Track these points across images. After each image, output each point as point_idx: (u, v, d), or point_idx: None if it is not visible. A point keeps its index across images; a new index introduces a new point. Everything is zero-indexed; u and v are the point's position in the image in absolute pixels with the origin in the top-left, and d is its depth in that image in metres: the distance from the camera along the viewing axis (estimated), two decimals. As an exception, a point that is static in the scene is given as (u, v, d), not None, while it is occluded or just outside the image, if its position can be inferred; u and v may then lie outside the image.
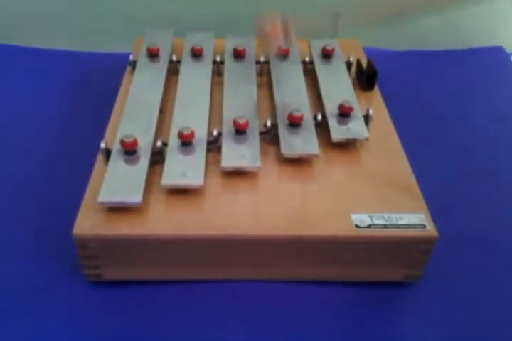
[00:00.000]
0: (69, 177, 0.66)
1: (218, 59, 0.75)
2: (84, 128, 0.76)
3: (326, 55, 0.77)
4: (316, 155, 0.60)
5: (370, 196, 0.56)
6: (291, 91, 0.69)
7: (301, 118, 0.62)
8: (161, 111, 0.66)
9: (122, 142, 0.56)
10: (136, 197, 0.53)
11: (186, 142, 0.59)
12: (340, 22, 0.99)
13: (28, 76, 0.90)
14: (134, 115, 0.64)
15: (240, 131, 0.61)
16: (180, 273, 0.56)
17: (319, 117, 0.63)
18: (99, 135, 0.62)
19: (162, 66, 0.74)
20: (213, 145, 0.61)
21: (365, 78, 0.73)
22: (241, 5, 0.97)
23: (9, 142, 0.76)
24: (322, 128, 0.64)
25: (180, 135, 0.58)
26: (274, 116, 0.65)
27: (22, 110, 0.82)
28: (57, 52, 0.96)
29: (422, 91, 0.90)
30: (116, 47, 0.92)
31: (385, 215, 0.54)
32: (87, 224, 0.52)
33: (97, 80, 0.88)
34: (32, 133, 0.77)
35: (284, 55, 0.76)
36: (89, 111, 0.80)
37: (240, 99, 0.67)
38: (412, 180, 0.59)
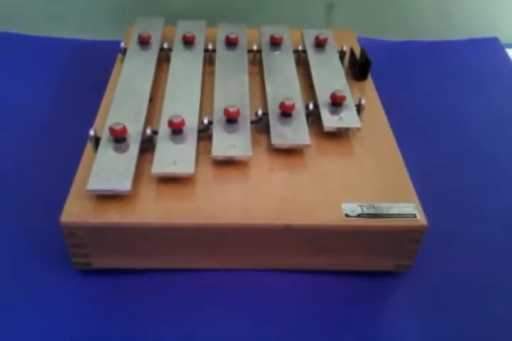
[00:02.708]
0: (58, 165, 0.65)
1: (210, 47, 0.75)
2: (75, 115, 0.75)
3: (319, 44, 0.76)
4: (307, 146, 0.59)
5: (361, 186, 0.56)
6: (283, 81, 0.69)
7: (292, 107, 0.61)
8: (152, 99, 0.66)
9: (111, 129, 0.56)
10: (125, 185, 0.52)
11: (176, 130, 0.58)
12: (335, 12, 0.99)
13: (18, 63, 0.89)
14: (123, 103, 0.63)
15: (231, 119, 0.60)
16: (170, 261, 0.56)
17: (311, 106, 0.63)
18: (90, 122, 0.62)
19: (153, 54, 0.73)
20: (204, 134, 0.60)
21: (358, 68, 0.73)
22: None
23: (-2, 130, 0.75)
24: (314, 117, 0.64)
25: (171, 123, 0.58)
26: (265, 105, 0.65)
27: (11, 97, 0.82)
28: (48, 39, 0.95)
29: (415, 81, 0.89)
30: (109, 35, 0.92)
31: (376, 205, 0.54)
32: (75, 211, 0.52)
33: (89, 67, 0.87)
34: (21, 120, 0.77)
35: (276, 43, 0.76)
36: (80, 99, 0.79)
37: (232, 87, 0.67)
38: (403, 170, 0.58)
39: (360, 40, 0.82)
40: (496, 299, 0.57)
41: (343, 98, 0.63)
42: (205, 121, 0.60)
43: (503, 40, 1.01)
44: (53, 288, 0.55)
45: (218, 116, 0.61)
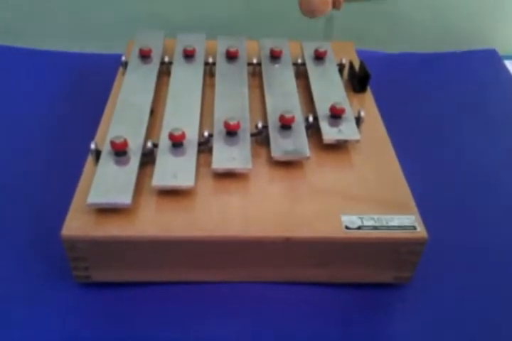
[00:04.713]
0: (59, 178, 0.66)
1: (210, 60, 0.75)
2: (76, 128, 0.76)
3: (319, 57, 0.77)
4: (307, 158, 0.59)
5: (361, 198, 0.56)
6: (283, 93, 0.69)
7: (292, 120, 0.62)
8: (152, 112, 0.66)
9: (112, 143, 0.56)
10: (125, 199, 0.52)
11: (177, 143, 0.59)
12: (334, 24, 1.00)
13: (20, 76, 0.90)
14: (124, 116, 0.64)
15: (231, 132, 0.61)
16: (170, 274, 0.56)
17: (310, 119, 0.63)
18: (91, 135, 0.62)
19: (153, 67, 0.73)
20: (204, 147, 0.61)
21: (357, 80, 0.73)
22: (233, 7, 0.97)
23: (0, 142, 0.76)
24: (313, 130, 0.64)
25: (171, 136, 0.58)
26: (265, 117, 0.65)
27: (13, 110, 0.82)
28: (49, 52, 0.96)
29: (414, 93, 0.90)
30: (110, 48, 0.92)
31: (375, 217, 0.54)
32: (76, 225, 0.52)
33: (90, 81, 0.88)
34: (23, 133, 0.77)
35: (276, 56, 0.76)
36: (82, 112, 0.80)
37: (232, 100, 0.67)
38: (403, 182, 0.59)
39: (358, 52, 0.83)
40: (498, 311, 0.56)
41: (343, 110, 0.64)
42: (206, 133, 0.60)
43: (501, 51, 1.01)
44: (53, 301, 0.55)
45: (218, 128, 0.62)
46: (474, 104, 0.88)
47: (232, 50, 0.75)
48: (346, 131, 0.63)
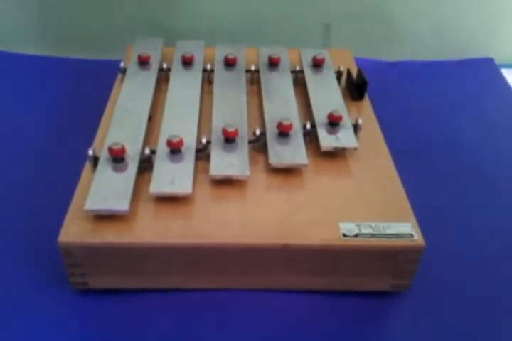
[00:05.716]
0: (57, 185, 0.66)
1: (208, 67, 0.75)
2: (74, 134, 0.76)
3: (316, 64, 0.77)
4: (304, 165, 0.60)
5: (358, 205, 0.56)
6: (281, 101, 0.69)
7: (290, 127, 0.62)
8: (150, 118, 0.66)
9: (110, 149, 0.56)
10: (123, 205, 0.52)
11: (175, 150, 0.59)
12: (332, 32, 1.00)
13: (18, 82, 0.90)
14: (122, 122, 0.64)
15: (229, 139, 0.61)
16: (167, 281, 0.56)
17: (308, 126, 0.64)
18: (89, 142, 0.62)
19: (152, 74, 0.74)
20: (202, 154, 0.61)
21: (355, 88, 0.74)
22: (233, 14, 0.98)
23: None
24: (311, 137, 0.64)
25: (169, 143, 0.58)
26: (263, 124, 0.66)
27: (11, 116, 0.82)
28: (48, 58, 0.96)
29: (411, 101, 0.90)
30: (109, 55, 0.93)
31: (373, 224, 0.54)
32: (73, 231, 0.52)
33: (89, 87, 0.88)
34: (21, 139, 0.77)
35: (274, 63, 0.77)
36: (80, 118, 0.80)
37: (230, 107, 0.67)
38: (401, 190, 0.59)
39: (356, 60, 0.83)
40: (497, 318, 0.56)
41: (340, 118, 0.64)
42: (204, 140, 0.60)
43: (498, 60, 1.02)
44: (51, 307, 0.55)
45: (216, 135, 0.62)
46: (472, 112, 0.88)
47: (230, 57, 0.76)
48: (344, 138, 0.63)
